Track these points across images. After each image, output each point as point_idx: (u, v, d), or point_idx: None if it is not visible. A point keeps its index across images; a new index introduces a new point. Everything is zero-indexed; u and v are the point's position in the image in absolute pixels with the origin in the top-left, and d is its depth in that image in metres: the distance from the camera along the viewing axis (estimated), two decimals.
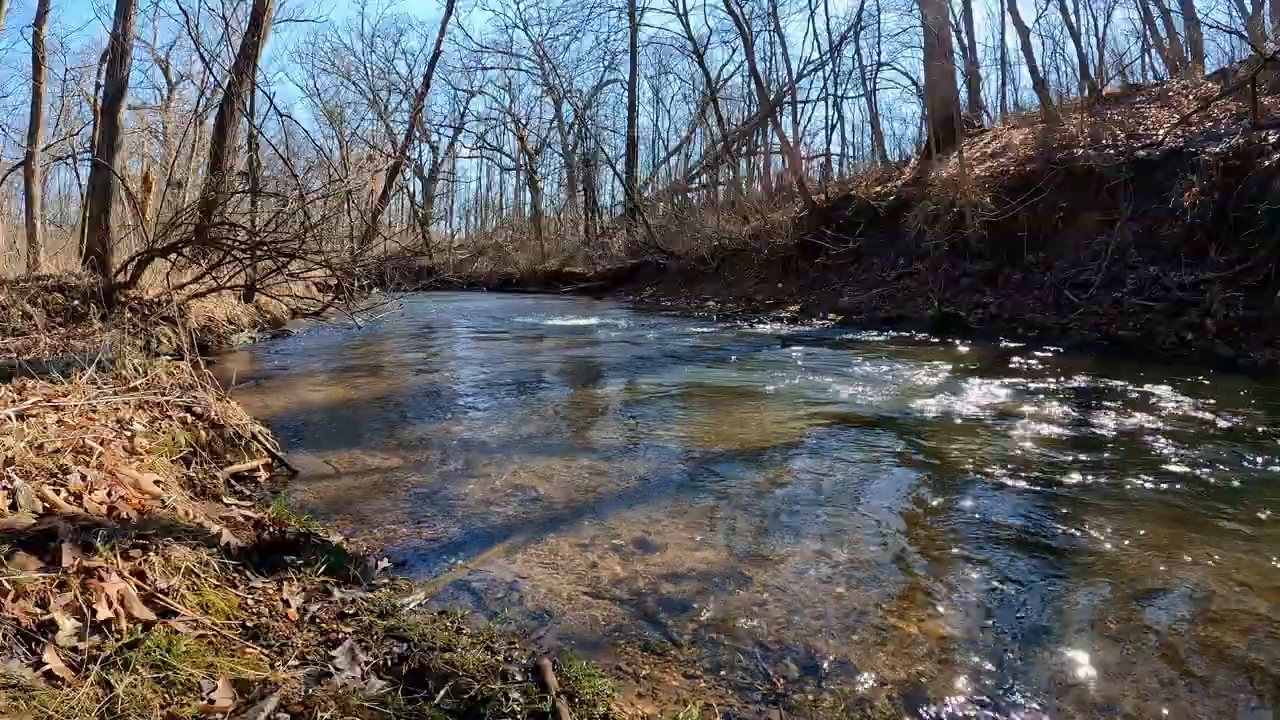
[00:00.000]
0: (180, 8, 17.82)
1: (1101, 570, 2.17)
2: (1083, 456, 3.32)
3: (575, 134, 26.80)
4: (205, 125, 16.56)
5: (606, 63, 25.63)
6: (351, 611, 1.83)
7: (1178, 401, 4.28)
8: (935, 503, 2.82)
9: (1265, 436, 3.55)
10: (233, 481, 2.86)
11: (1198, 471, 3.05)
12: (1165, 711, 1.53)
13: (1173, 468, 3.13)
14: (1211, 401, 4.24)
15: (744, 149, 21.42)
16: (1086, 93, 12.03)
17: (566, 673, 1.58)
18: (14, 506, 1.80)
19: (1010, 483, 2.97)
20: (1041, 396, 4.59)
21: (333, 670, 1.52)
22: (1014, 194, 9.34)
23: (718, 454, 3.47)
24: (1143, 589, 2.05)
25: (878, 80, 17.46)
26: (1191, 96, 9.65)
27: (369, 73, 29.52)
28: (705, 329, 9.64)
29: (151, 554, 1.71)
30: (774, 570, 2.20)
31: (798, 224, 13.83)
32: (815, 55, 23.46)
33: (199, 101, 18.43)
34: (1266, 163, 6.84)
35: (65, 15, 36.77)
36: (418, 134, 28.10)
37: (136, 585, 1.60)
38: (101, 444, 2.38)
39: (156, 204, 11.77)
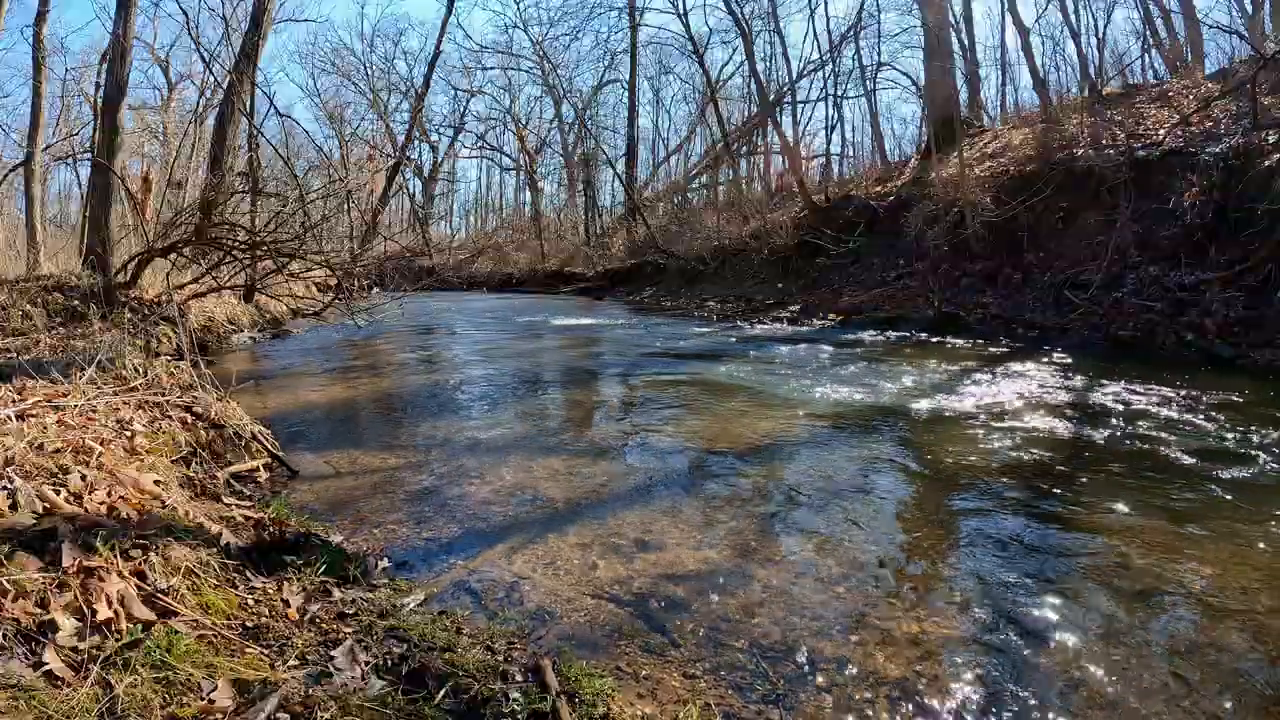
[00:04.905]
0: (180, 8, 17.84)
1: (1101, 570, 2.17)
2: (1082, 457, 3.32)
3: (575, 134, 26.84)
4: (205, 125, 16.59)
5: (606, 63, 25.67)
6: (351, 611, 1.83)
7: (1178, 401, 4.28)
8: (935, 503, 2.82)
9: (1265, 436, 3.55)
10: (233, 481, 2.86)
11: (1197, 472, 3.05)
12: (1165, 712, 1.53)
13: (1172, 468, 3.13)
14: (1212, 401, 4.24)
15: (744, 149, 21.43)
16: (1086, 93, 12.02)
17: (566, 673, 1.58)
18: (14, 506, 1.80)
19: (1010, 483, 2.97)
20: (1041, 397, 4.59)
21: (333, 670, 1.52)
22: (1014, 194, 9.33)
23: (718, 454, 3.47)
24: (1143, 589, 2.05)
25: (878, 80, 17.39)
26: (1191, 96, 9.64)
27: (369, 73, 29.62)
28: (705, 329, 9.63)
29: (151, 554, 1.72)
30: (774, 570, 2.20)
31: (798, 224, 13.83)
32: (815, 55, 23.43)
33: (199, 101, 18.49)
34: (1266, 163, 6.83)
35: (65, 15, 36.85)
36: (418, 134, 28.14)
37: (136, 585, 1.60)
38: (101, 444, 2.38)
39: (156, 204, 11.77)
